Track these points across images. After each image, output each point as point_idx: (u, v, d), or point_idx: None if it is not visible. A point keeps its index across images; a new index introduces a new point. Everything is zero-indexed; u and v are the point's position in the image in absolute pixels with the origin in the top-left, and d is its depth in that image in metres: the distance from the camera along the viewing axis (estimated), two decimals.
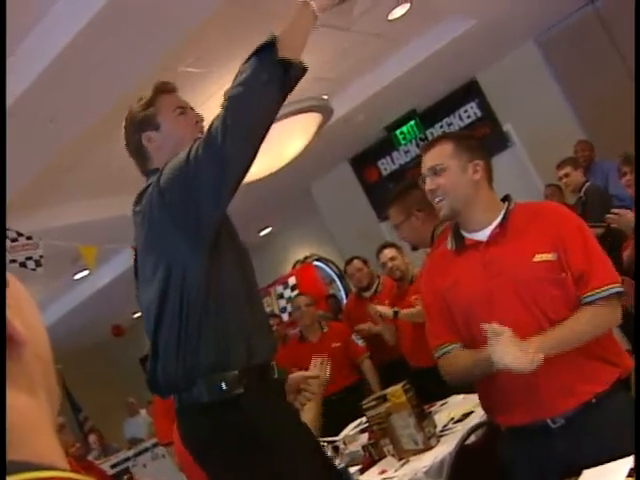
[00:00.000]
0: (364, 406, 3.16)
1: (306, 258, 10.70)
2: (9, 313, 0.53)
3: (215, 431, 2.14)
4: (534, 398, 2.23)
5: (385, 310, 4.59)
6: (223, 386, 2.11)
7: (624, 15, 7.17)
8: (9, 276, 0.56)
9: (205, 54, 4.88)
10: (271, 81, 2.05)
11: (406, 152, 8.69)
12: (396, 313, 4.49)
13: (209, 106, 5.57)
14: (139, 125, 2.32)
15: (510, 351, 2.06)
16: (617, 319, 2.28)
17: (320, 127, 5.88)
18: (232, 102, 2.03)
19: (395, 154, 8.82)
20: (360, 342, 5.35)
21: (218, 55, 4.93)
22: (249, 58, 2.07)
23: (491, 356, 2.10)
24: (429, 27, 6.40)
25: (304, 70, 2.13)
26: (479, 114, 8.30)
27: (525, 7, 6.48)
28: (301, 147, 6.00)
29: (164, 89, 2.38)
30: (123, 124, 2.38)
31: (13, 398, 0.52)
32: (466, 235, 2.44)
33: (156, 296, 2.13)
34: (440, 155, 2.42)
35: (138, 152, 2.35)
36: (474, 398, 2.92)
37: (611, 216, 4.22)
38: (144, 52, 4.10)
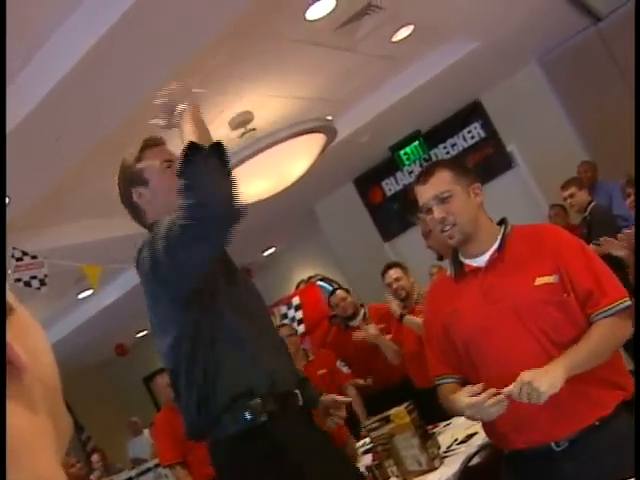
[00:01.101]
0: (367, 427, 3.16)
1: (310, 278, 10.69)
2: (10, 337, 0.54)
3: (245, 460, 2.18)
4: (536, 423, 2.22)
5: (395, 307, 4.60)
6: (247, 415, 2.16)
7: (627, 37, 7.20)
8: (14, 301, 0.56)
9: (210, 75, 4.91)
10: (215, 167, 2.05)
11: (410, 172, 8.69)
12: (402, 317, 4.49)
13: (213, 127, 5.62)
14: (129, 181, 2.37)
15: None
16: (630, 331, 2.26)
17: (324, 148, 5.90)
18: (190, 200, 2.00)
19: (399, 175, 8.83)
20: (345, 369, 5.34)
21: (222, 76, 4.96)
22: (182, 168, 2.03)
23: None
24: (433, 48, 6.43)
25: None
26: (483, 135, 8.33)
27: (528, 28, 6.51)
28: (305, 168, 6.01)
29: (151, 143, 2.42)
30: (116, 176, 2.43)
31: (12, 416, 0.53)
32: (465, 261, 2.43)
33: (164, 351, 2.23)
34: (442, 182, 2.38)
35: (132, 206, 2.40)
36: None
37: (622, 236, 4.22)
38: (150, 74, 4.12)
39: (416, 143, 8.50)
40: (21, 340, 0.55)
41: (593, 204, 6.22)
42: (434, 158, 8.39)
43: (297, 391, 2.31)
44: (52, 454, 0.56)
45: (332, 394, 2.74)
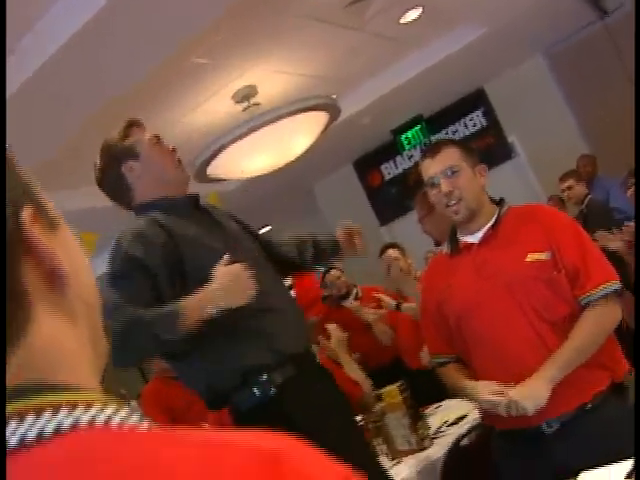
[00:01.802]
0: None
1: None
2: (58, 250, 0.56)
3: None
4: None
5: (388, 300, 4.60)
6: (256, 392, 2.19)
7: (633, 33, 7.20)
8: (58, 216, 0.59)
9: (215, 46, 4.87)
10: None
11: (410, 157, 8.69)
12: (398, 305, 4.49)
13: (216, 99, 5.59)
14: (119, 155, 2.36)
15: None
16: (619, 317, 2.30)
17: (326, 127, 5.87)
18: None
19: (399, 159, 8.83)
20: None
21: (228, 49, 4.93)
22: None
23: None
24: (440, 33, 6.40)
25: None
26: (485, 123, 8.32)
27: (536, 20, 6.49)
28: (306, 145, 5.98)
29: (136, 123, 2.44)
30: (97, 163, 2.41)
31: (51, 327, 0.55)
32: (460, 238, 2.45)
33: None
34: (451, 157, 2.40)
35: (117, 184, 2.39)
36: (468, 402, 2.92)
37: (624, 230, 4.23)
38: (153, 47, 4.10)
39: (418, 128, 8.48)
40: (65, 254, 0.57)
41: (590, 197, 6.23)
42: None
43: (309, 350, 2.33)
44: (89, 365, 0.58)
45: None
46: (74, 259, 0.59)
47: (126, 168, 2.35)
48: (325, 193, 9.47)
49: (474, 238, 2.40)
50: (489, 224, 2.39)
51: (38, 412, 0.49)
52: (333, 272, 5.74)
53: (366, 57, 6.20)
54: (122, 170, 2.35)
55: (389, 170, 8.97)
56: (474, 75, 7.67)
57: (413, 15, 5.73)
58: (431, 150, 2.46)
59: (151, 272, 2.16)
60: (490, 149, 8.15)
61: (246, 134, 5.14)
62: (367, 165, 9.12)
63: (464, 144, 2.55)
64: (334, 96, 5.89)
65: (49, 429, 0.48)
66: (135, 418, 0.52)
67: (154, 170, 2.35)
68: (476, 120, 8.37)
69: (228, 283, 2.09)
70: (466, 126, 8.43)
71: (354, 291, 5.66)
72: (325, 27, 5.26)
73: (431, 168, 2.42)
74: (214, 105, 5.66)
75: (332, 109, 5.87)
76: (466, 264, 2.38)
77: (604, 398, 2.22)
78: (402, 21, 5.78)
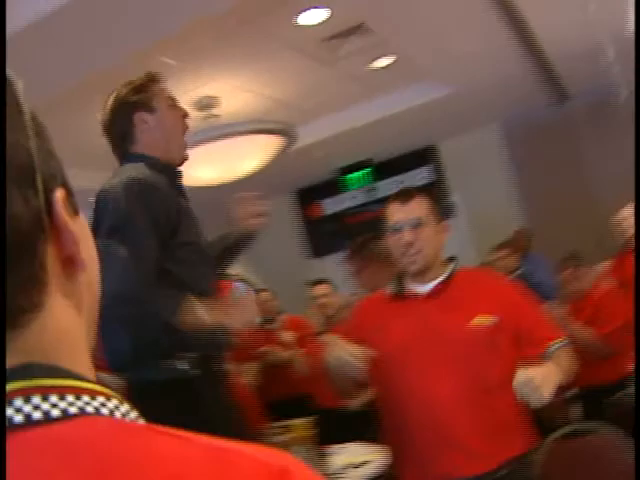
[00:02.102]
0: (268, 431, 3.14)
1: (228, 275, 10.60)
2: (78, 239, 0.56)
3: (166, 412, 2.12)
4: (440, 461, 2.25)
5: (316, 321, 4.60)
6: (179, 366, 2.09)
7: (590, 123, 7.47)
8: (67, 217, 0.57)
9: (187, 50, 4.85)
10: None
11: (352, 198, 8.77)
12: (320, 333, 4.49)
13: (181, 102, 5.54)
14: (134, 104, 2.31)
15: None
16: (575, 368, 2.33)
17: (280, 152, 5.90)
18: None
19: (341, 197, 8.89)
20: None
21: (199, 55, 4.91)
22: None
23: None
24: (407, 84, 6.51)
25: None
26: (432, 179, 8.46)
27: (500, 90, 6.66)
28: (255, 167, 5.99)
29: (157, 78, 2.40)
30: (108, 104, 2.36)
31: (63, 312, 0.55)
32: (408, 286, 2.45)
33: None
34: (421, 208, 2.41)
35: (124, 130, 2.33)
36: (372, 447, 2.94)
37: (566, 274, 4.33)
38: (135, 31, 4.05)
39: (365, 171, 8.58)
40: (83, 242, 0.57)
41: (519, 271, 6.36)
42: (379, 190, 8.50)
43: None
44: (88, 356, 0.58)
45: None
46: (89, 248, 0.59)
47: (138, 118, 2.30)
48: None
49: (422, 289, 2.41)
50: (439, 279, 2.41)
51: (44, 394, 0.49)
52: (263, 294, 5.72)
53: (332, 93, 6.26)
54: (134, 118, 2.30)
55: (331, 206, 9.02)
56: (431, 131, 7.82)
57: (385, 62, 5.82)
58: (402, 196, 2.45)
59: (159, 225, 2.11)
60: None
61: (199, 143, 5.12)
62: (310, 197, 9.15)
63: (435, 197, 2.58)
64: (293, 124, 5.92)
65: (55, 413, 0.48)
66: (133, 415, 0.52)
67: (164, 130, 2.32)
68: (424, 174, 8.51)
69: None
70: (413, 178, 8.56)
71: (279, 319, 5.63)
72: (298, 57, 5.30)
73: (398, 214, 2.41)
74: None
75: (288, 136, 5.90)
76: (408, 313, 2.38)
77: (521, 460, 2.26)
78: (373, 66, 5.86)
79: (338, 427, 3.16)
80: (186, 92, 5.31)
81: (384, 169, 8.58)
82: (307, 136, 6.93)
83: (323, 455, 3.06)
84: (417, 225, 2.37)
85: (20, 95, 0.54)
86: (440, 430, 2.22)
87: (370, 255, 3.55)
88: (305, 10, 4.64)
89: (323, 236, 8.97)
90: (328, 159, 7.83)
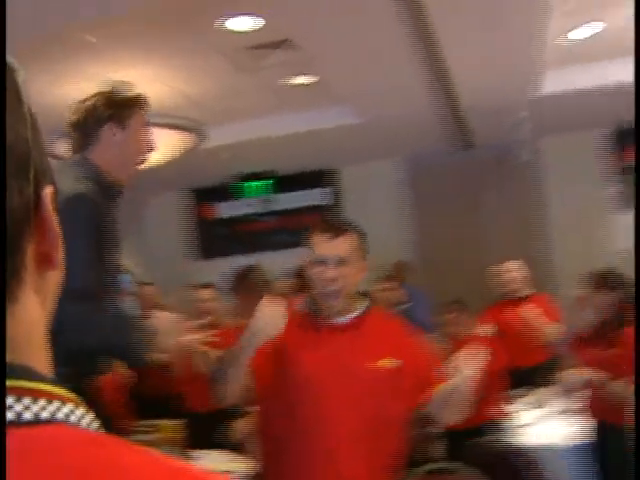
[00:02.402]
0: (134, 428, 3.12)
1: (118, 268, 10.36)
2: (58, 238, 0.56)
3: None
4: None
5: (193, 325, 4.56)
6: None
7: (490, 175, 7.78)
8: (53, 215, 0.56)
9: (111, 32, 4.77)
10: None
11: (248, 205, 8.79)
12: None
13: (90, 81, 5.42)
14: (112, 113, 2.32)
15: None
16: None
17: (186, 149, 5.86)
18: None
19: (238, 203, 8.88)
20: None
21: (121, 39, 4.84)
22: None
23: None
24: (321, 106, 6.60)
25: None
26: (328, 202, 8.59)
27: (411, 128, 6.86)
28: (160, 161, 5.92)
29: (144, 104, 2.44)
30: (86, 104, 2.35)
31: (34, 307, 0.54)
32: (324, 316, 2.43)
33: None
34: (349, 246, 2.39)
35: (90, 131, 2.32)
36: (236, 457, 2.96)
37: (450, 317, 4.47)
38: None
39: (267, 182, 8.62)
40: (57, 244, 0.57)
41: (404, 306, 6.48)
42: (275, 202, 8.57)
43: None
44: (47, 351, 0.57)
45: None
46: (61, 248, 0.59)
47: (109, 129, 2.30)
48: (157, 211, 9.30)
49: (337, 321, 2.41)
50: (354, 313, 2.43)
51: (18, 396, 0.48)
52: (147, 288, 5.64)
53: (247, 100, 6.27)
54: (104, 125, 2.29)
55: (225, 210, 9.00)
56: (336, 155, 7.95)
57: (304, 80, 5.88)
58: (334, 229, 2.42)
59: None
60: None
61: None
62: (206, 198, 9.10)
63: (364, 236, 2.52)
64: (203, 123, 5.89)
65: (27, 416, 0.48)
66: (95, 424, 0.52)
67: (126, 149, 2.33)
68: (322, 195, 8.63)
69: None
70: (311, 198, 8.66)
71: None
72: (221, 60, 5.29)
73: (326, 247, 2.37)
74: (86, 87, 5.49)
75: (196, 135, 5.87)
76: (319, 342, 2.36)
77: None
78: (292, 82, 5.92)
79: (206, 432, 3.15)
80: (98, 73, 5.21)
81: (284, 183, 8.65)
82: (214, 138, 6.92)
83: (187, 459, 3.06)
84: (341, 263, 2.35)
85: (21, 84, 0.53)
86: (330, 463, 2.24)
87: (251, 285, 3.58)
88: (235, 16, 4.65)
89: (214, 239, 8.94)
90: (231, 164, 7.82)
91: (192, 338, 2.25)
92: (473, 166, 7.85)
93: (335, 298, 2.36)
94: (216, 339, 2.46)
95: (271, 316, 2.21)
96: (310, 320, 2.44)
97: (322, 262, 2.36)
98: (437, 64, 5.31)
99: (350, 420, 2.28)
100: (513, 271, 5.99)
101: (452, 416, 2.42)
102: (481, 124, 6.97)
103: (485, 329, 5.36)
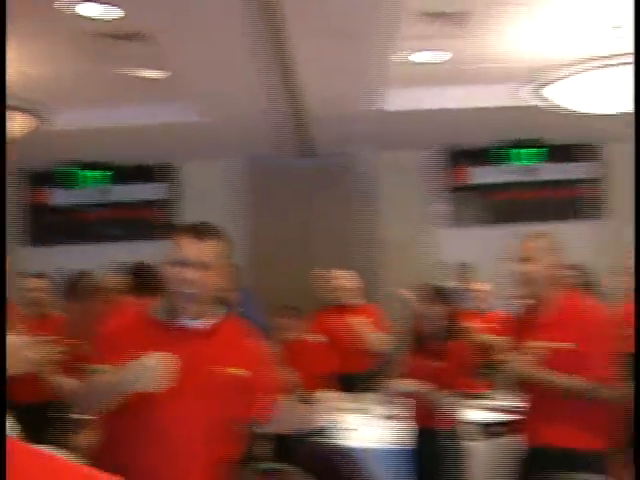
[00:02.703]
0: None
1: None
2: None
3: None
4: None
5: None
6: None
7: (327, 185, 7.97)
8: None
9: None
10: None
11: (84, 194, 8.54)
12: None
13: None
14: None
15: None
16: None
17: (28, 132, 5.63)
18: None
19: (74, 191, 8.59)
20: None
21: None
22: None
23: None
24: (167, 101, 6.51)
25: None
26: (164, 197, 8.50)
27: (255, 131, 6.93)
28: None
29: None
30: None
31: None
32: (178, 317, 2.39)
33: None
34: (214, 252, 2.37)
35: None
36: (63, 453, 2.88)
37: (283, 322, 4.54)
38: None
39: (104, 172, 8.42)
40: None
41: (242, 309, 6.52)
42: (112, 193, 8.40)
43: None
44: None
45: None
46: None
47: None
48: None
49: (192, 325, 2.39)
50: (210, 320, 2.43)
51: None
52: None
53: (95, 88, 6.11)
54: None
55: (61, 197, 8.67)
56: (179, 150, 7.89)
57: (154, 74, 5.81)
58: (200, 232, 2.39)
59: None
60: (155, 222, 8.30)
61: None
62: (42, 182, 8.69)
63: (230, 242, 2.49)
64: (48, 108, 5.69)
65: None
66: (16, 433, 0.52)
67: None
68: (160, 190, 8.52)
69: None
70: (146, 191, 8.54)
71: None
72: (70, 45, 5.15)
73: (191, 249, 2.34)
74: None
75: (39, 118, 5.66)
76: (171, 343, 2.28)
77: None
78: (141, 74, 5.81)
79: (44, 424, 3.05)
80: None
81: (122, 175, 8.49)
82: (57, 123, 6.67)
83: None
84: (203, 267, 2.32)
85: None
86: (171, 462, 2.26)
87: (83, 292, 3.49)
88: (86, 1, 4.53)
89: (47, 226, 8.61)
90: (71, 150, 7.59)
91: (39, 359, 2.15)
92: (313, 173, 8.01)
93: (191, 301, 2.34)
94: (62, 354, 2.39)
95: (147, 371, 2.11)
96: (162, 321, 2.40)
97: (183, 263, 2.33)
98: (285, 70, 5.39)
99: (196, 422, 2.31)
100: (343, 279, 6.17)
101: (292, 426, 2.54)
102: (324, 133, 7.14)
103: (315, 336, 5.51)
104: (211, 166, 8.21)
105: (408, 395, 4.21)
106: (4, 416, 0.48)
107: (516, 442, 3.36)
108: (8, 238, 8.52)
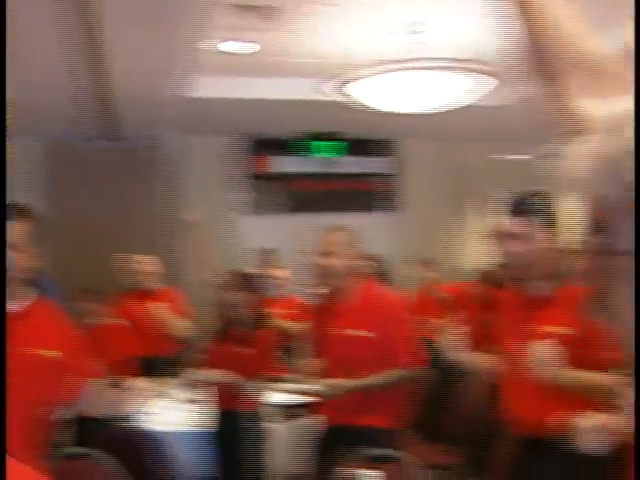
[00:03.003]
0: None
1: None
2: None
3: None
4: None
5: None
6: None
7: (132, 166, 7.86)
8: None
9: None
10: None
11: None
12: None
13: None
14: None
15: None
16: None
17: None
18: None
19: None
20: None
21: None
22: None
23: None
24: None
25: None
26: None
27: (59, 109, 6.70)
28: None
29: None
30: None
31: None
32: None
33: None
34: (20, 232, 2.38)
35: None
36: None
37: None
38: None
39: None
40: None
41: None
42: None
43: None
44: None
45: None
46: None
47: None
48: None
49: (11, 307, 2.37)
50: (23, 302, 2.46)
51: None
52: None
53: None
54: None
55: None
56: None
57: None
58: (18, 212, 2.45)
59: None
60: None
61: None
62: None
63: (40, 221, 2.55)
64: None
65: None
66: None
67: None
68: None
69: None
70: None
71: None
72: None
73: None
74: None
75: None
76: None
77: None
78: None
79: None
80: None
81: None
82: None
83: None
84: (11, 248, 2.31)
85: None
86: None
87: None
88: None
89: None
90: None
91: None
92: (119, 155, 7.87)
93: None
94: None
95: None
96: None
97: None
98: (93, 50, 5.27)
99: (16, 405, 2.29)
100: (144, 264, 6.18)
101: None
102: (131, 116, 7.04)
103: (116, 319, 5.49)
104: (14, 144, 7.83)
105: (210, 382, 4.32)
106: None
107: (314, 422, 3.57)
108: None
